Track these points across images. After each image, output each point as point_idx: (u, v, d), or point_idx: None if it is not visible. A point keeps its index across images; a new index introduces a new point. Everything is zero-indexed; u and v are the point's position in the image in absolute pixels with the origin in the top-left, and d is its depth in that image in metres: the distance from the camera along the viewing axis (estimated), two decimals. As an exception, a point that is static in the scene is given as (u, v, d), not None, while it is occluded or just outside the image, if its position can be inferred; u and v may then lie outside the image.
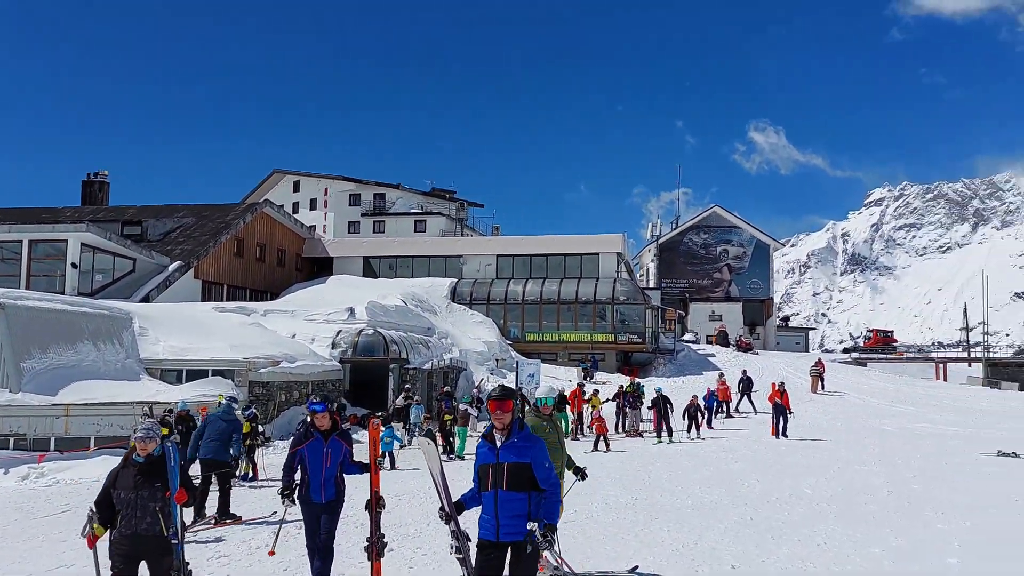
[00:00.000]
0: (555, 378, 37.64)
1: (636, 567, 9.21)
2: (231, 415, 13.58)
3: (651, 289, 55.54)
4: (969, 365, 56.95)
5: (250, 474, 17.45)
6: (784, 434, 23.60)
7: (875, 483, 15.72)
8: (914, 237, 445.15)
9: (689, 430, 24.04)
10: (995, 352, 73.35)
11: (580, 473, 9.25)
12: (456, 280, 46.28)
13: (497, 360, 38.33)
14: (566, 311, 44.03)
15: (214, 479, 13.02)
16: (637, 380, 31.05)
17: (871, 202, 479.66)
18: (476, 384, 32.62)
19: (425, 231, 58.63)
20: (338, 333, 30.67)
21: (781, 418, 23.83)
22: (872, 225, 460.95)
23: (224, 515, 12.54)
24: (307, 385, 26.83)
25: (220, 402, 14.38)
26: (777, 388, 24.82)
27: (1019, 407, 35.20)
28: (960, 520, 12.25)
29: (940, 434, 24.97)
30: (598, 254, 46.77)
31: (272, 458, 21.44)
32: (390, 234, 57.61)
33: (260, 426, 19.85)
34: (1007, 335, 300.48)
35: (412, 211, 62.16)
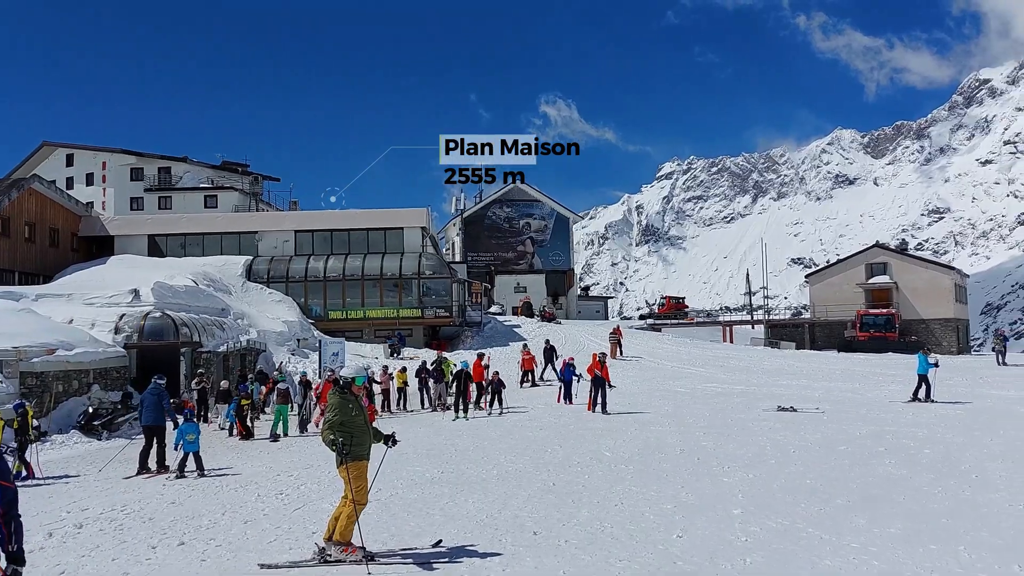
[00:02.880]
0: (361, 356, 36.96)
1: (439, 541, 9.03)
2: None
3: (457, 263, 55.72)
4: (752, 327, 61.30)
5: (23, 472, 15.81)
6: (604, 410, 21.71)
7: (669, 442, 16.43)
8: (701, 208, 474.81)
9: (491, 404, 23.62)
10: (775, 314, 79.51)
11: (390, 439, 9.12)
12: (252, 258, 44.27)
13: (299, 340, 37.09)
14: (371, 287, 43.27)
15: None
16: (444, 355, 30.96)
17: (662, 175, 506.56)
18: (277, 366, 31.40)
19: (217, 207, 55.67)
20: (121, 317, 28.51)
21: (600, 392, 21.98)
22: (664, 198, 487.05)
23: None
24: (88, 374, 24.75)
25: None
26: (598, 359, 22.81)
27: (796, 365, 38.27)
28: (744, 472, 12.99)
29: (727, 393, 26.60)
30: (402, 228, 46.23)
31: (50, 454, 19.61)
32: (178, 210, 54.27)
33: (35, 420, 18.15)
34: (785, 298, 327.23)
35: (201, 186, 58.82)
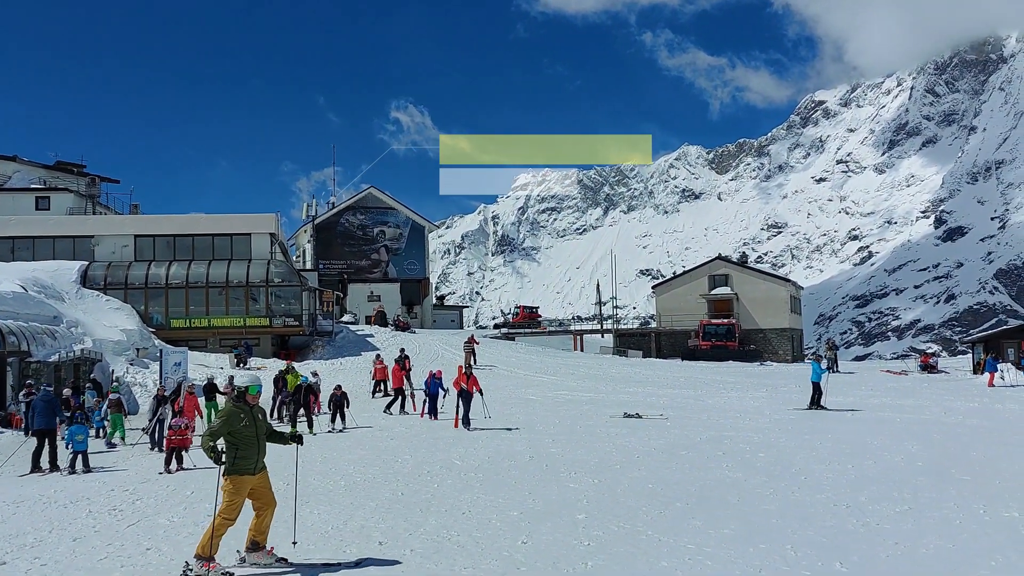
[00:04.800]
0: (205, 366, 35.45)
1: (284, 559, 8.68)
2: None
3: (308, 271, 54.41)
4: (602, 336, 63.05)
5: None
6: (467, 425, 20.42)
7: (518, 449, 16.56)
8: (555, 220, 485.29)
9: (333, 419, 21.91)
10: (624, 324, 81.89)
11: (298, 439, 9.10)
12: (87, 263, 41.66)
13: (138, 350, 35.15)
14: (216, 295, 41.56)
15: None
16: (292, 364, 30.08)
17: (517, 187, 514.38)
18: (116, 377, 29.63)
19: (49, 209, 52.06)
20: (-64, 325, 26.09)
21: (467, 407, 20.71)
22: (519, 208, 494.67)
23: None
24: None
25: None
26: (464, 372, 21.87)
27: (642, 372, 39.56)
28: (590, 478, 13.24)
29: (576, 400, 27.15)
30: (250, 235, 44.68)
31: None
32: (6, 212, 50.31)
33: None
34: (634, 308, 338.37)
35: (33, 187, 54.88)
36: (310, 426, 21.65)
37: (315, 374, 27.25)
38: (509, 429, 20.06)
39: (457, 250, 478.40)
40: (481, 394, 21.51)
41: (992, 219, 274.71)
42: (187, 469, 15.70)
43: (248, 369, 34.97)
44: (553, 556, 8.59)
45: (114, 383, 26.99)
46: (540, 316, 76.54)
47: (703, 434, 18.62)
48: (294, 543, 8.84)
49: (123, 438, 21.19)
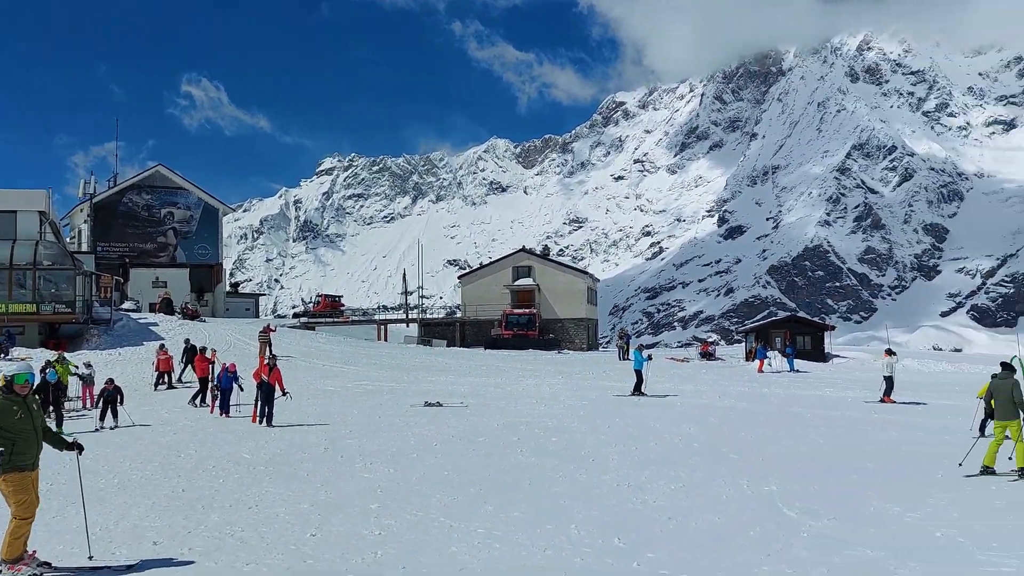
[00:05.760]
0: (-37, 356, 32.01)
1: (47, 563, 7.95)
2: None
3: (84, 253, 50.36)
4: (407, 326, 62.77)
5: None
6: (270, 422, 18.88)
7: (312, 441, 16.14)
8: (362, 207, 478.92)
9: (103, 417, 19.85)
10: (430, 314, 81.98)
11: (76, 447, 8.39)
12: None
13: None
14: (-23, 278, 37.57)
15: None
16: (63, 354, 27.70)
17: (322, 171, 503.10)
18: None
19: None
20: None
21: (266, 405, 19.19)
22: (324, 193, 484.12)
23: None
24: None
25: None
26: (266, 363, 20.42)
27: (446, 362, 39.80)
28: (386, 467, 13.12)
29: (377, 390, 26.86)
30: (15, 212, 40.54)
31: None
32: None
33: None
34: (441, 298, 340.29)
35: None
36: (58, 424, 19.47)
37: (88, 365, 25.22)
38: (303, 424, 19.52)
39: (255, 235, 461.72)
40: (284, 393, 19.77)
41: (767, 219, 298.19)
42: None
43: (10, 360, 31.92)
44: (342, 547, 8.42)
45: None
46: (343, 305, 75.13)
47: (500, 420, 18.97)
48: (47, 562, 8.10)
49: None
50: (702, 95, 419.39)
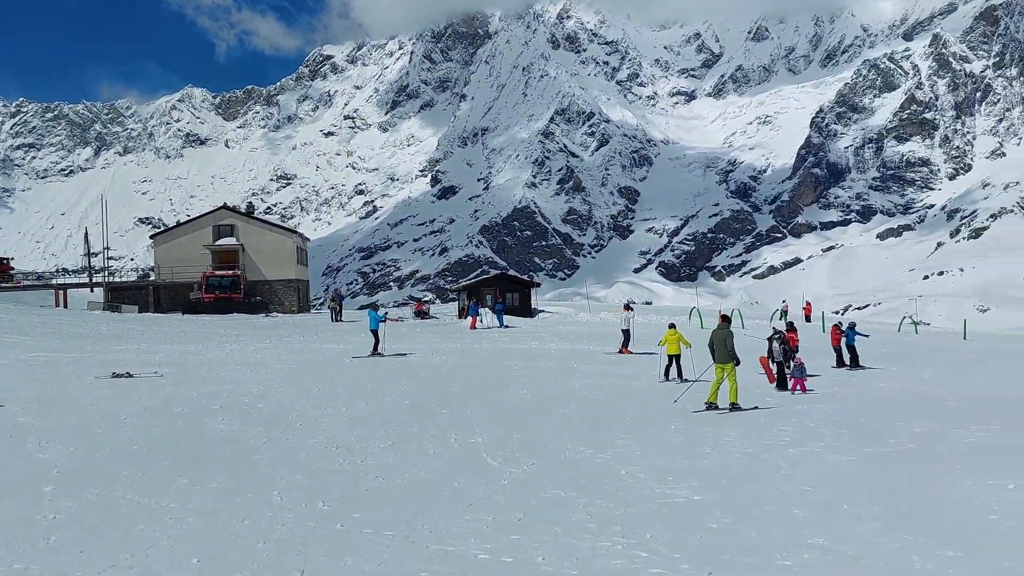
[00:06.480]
0: None
1: None
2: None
3: None
4: (91, 291, 57.31)
5: None
6: None
7: (-26, 422, 14.20)
8: (34, 158, 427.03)
9: None
10: (120, 276, 75.63)
11: None
12: None
13: None
14: None
15: None
16: None
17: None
18: None
19: None
20: None
21: None
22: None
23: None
24: None
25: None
26: None
27: (138, 329, 36.89)
28: (64, 446, 11.86)
29: (55, 361, 24.24)
30: None
31: None
32: None
33: None
34: (132, 260, 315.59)
35: None
36: None
37: None
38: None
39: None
40: None
41: (479, 180, 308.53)
42: None
43: None
44: (7, 535, 7.46)
45: None
46: (13, 269, 66.78)
47: (201, 389, 17.90)
48: None
49: None
50: (412, 53, 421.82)
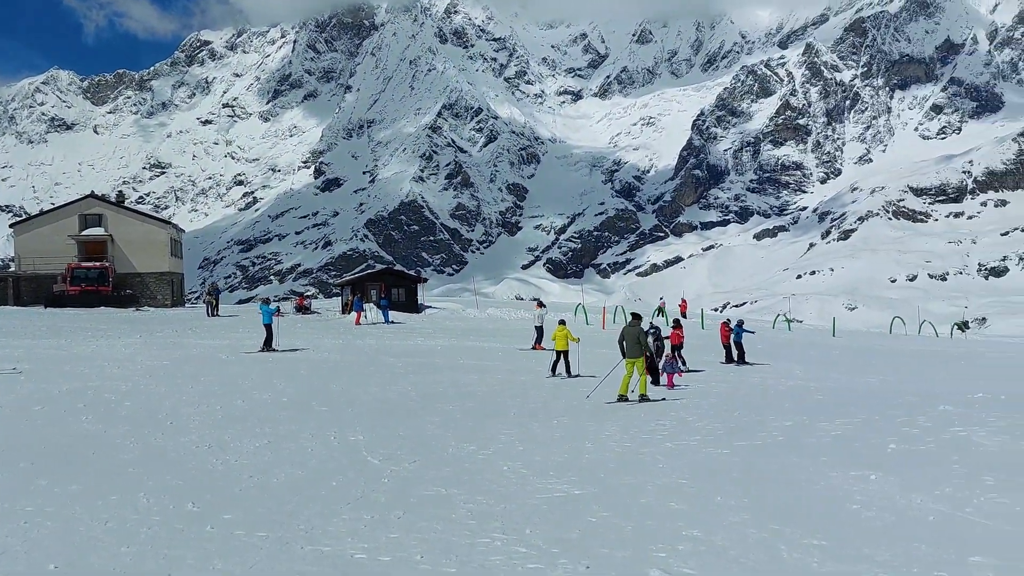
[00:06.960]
0: None
1: None
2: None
3: None
4: (-56, 280, 53.48)
5: None
6: None
7: None
8: None
9: None
10: (-26, 266, 70.91)
11: None
12: None
13: None
14: None
15: None
16: None
17: None
18: None
19: None
20: None
21: None
22: None
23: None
24: None
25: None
26: None
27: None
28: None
29: (-99, 356, 22.52)
30: None
31: None
32: None
33: None
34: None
35: None
36: None
37: None
38: None
39: None
40: None
41: (364, 173, 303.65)
42: None
43: None
44: None
45: None
46: None
47: (64, 386, 16.95)
48: None
49: None
50: (295, 42, 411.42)
